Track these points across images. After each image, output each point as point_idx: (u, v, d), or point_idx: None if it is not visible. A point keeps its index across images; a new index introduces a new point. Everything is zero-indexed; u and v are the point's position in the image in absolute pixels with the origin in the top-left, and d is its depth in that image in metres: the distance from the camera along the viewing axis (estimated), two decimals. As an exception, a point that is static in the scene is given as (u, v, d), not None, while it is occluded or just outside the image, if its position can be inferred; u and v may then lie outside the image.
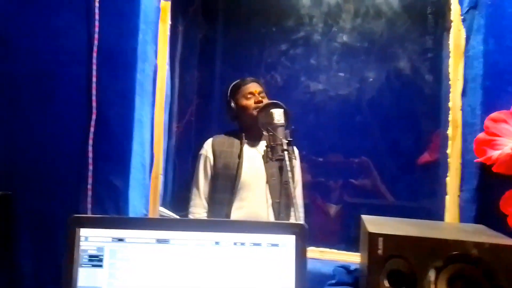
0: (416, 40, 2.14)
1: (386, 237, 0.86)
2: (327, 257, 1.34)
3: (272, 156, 1.52)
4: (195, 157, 2.42)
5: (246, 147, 1.94)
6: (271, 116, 1.54)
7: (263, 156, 1.85)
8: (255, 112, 1.85)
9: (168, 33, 1.46)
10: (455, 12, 1.26)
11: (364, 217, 1.06)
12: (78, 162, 1.26)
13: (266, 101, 1.86)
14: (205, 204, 1.95)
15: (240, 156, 1.91)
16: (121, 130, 1.26)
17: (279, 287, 0.95)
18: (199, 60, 2.52)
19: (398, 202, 2.15)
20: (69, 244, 0.98)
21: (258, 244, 0.97)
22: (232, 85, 1.97)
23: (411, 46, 2.11)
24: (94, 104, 1.26)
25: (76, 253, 0.98)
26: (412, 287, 0.85)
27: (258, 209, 1.86)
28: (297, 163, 1.96)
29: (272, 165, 1.78)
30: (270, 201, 1.86)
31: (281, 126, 1.52)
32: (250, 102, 1.89)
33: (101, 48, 1.27)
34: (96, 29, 1.26)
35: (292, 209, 1.85)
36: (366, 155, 2.16)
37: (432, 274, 0.83)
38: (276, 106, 1.60)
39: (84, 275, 0.98)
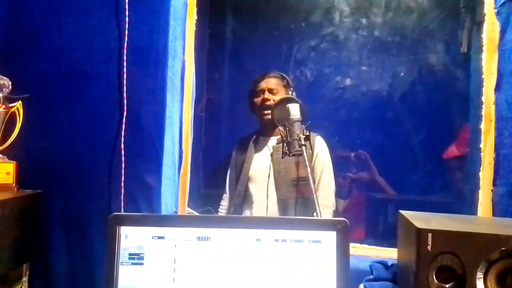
0: (448, 34, 2.11)
1: (436, 233, 0.85)
2: (359, 252, 1.34)
3: (289, 152, 1.50)
4: (206, 153, 2.43)
5: (259, 144, 1.95)
6: (287, 111, 1.53)
7: (271, 153, 1.87)
8: (260, 111, 1.88)
9: (194, 28, 1.45)
10: (489, 5, 1.25)
11: (404, 212, 1.06)
12: (110, 160, 1.25)
13: (280, 96, 1.80)
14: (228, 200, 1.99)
15: (246, 151, 1.93)
16: (153, 128, 1.26)
17: (321, 284, 0.94)
18: (209, 56, 2.49)
19: (422, 197, 2.15)
20: (110, 243, 0.98)
21: (300, 241, 0.97)
22: (252, 81, 1.97)
23: (442, 40, 2.09)
24: (125, 101, 1.25)
25: (117, 252, 0.98)
26: (461, 283, 0.84)
27: (263, 205, 1.85)
28: (323, 156, 1.90)
29: (280, 161, 1.79)
30: (275, 197, 1.84)
31: (297, 121, 1.50)
32: (258, 100, 1.90)
33: (131, 45, 1.26)
34: (126, 26, 1.25)
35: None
36: (397, 150, 2.14)
37: (482, 270, 0.83)
38: (292, 101, 1.58)
39: (125, 274, 0.98)
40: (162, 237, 0.99)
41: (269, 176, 1.86)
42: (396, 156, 2.18)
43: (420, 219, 0.96)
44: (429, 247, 0.85)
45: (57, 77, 1.29)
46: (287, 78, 1.94)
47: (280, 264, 0.96)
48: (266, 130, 1.94)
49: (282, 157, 1.63)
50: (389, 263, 1.14)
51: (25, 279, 1.23)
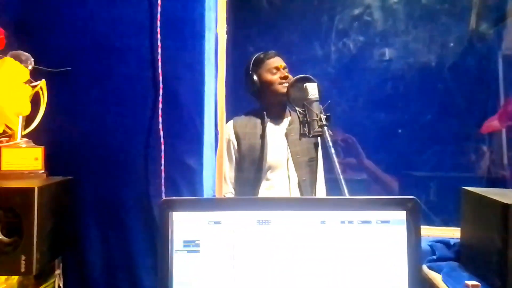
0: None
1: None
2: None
3: (309, 133, 1.46)
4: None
5: (269, 126, 1.89)
6: (305, 90, 1.49)
7: (285, 134, 1.84)
8: (280, 88, 1.83)
9: (226, -2, 1.34)
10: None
11: (470, 189, 1.00)
12: (146, 141, 1.16)
13: (289, 76, 1.83)
14: (232, 189, 1.91)
15: (263, 136, 1.87)
16: (192, 106, 1.16)
17: (391, 267, 0.89)
18: (242, 28, 2.32)
19: (452, 174, 2.11)
20: (162, 230, 0.90)
21: (368, 222, 0.91)
22: (254, 58, 1.92)
23: (494, 5, 2.00)
24: (160, 78, 1.15)
25: (170, 239, 0.91)
26: (552, 260, 0.80)
27: (285, 188, 1.84)
28: None
29: (296, 143, 1.81)
30: (296, 179, 1.84)
31: (316, 100, 1.46)
32: (275, 78, 1.86)
33: (164, 16, 1.15)
34: (159, -6, 1.14)
35: (316, 186, 1.84)
36: (443, 124, 2.08)
37: None
38: (309, 80, 1.54)
39: (180, 262, 0.91)
40: (218, 222, 0.92)
41: (288, 160, 1.84)
42: (426, 131, 2.13)
43: (496, 194, 0.91)
44: (517, 223, 0.80)
45: (83, 53, 1.18)
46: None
47: (347, 247, 0.90)
48: (274, 112, 1.91)
49: (300, 139, 1.61)
50: (451, 242, 1.10)
51: (58, 271, 1.15)
